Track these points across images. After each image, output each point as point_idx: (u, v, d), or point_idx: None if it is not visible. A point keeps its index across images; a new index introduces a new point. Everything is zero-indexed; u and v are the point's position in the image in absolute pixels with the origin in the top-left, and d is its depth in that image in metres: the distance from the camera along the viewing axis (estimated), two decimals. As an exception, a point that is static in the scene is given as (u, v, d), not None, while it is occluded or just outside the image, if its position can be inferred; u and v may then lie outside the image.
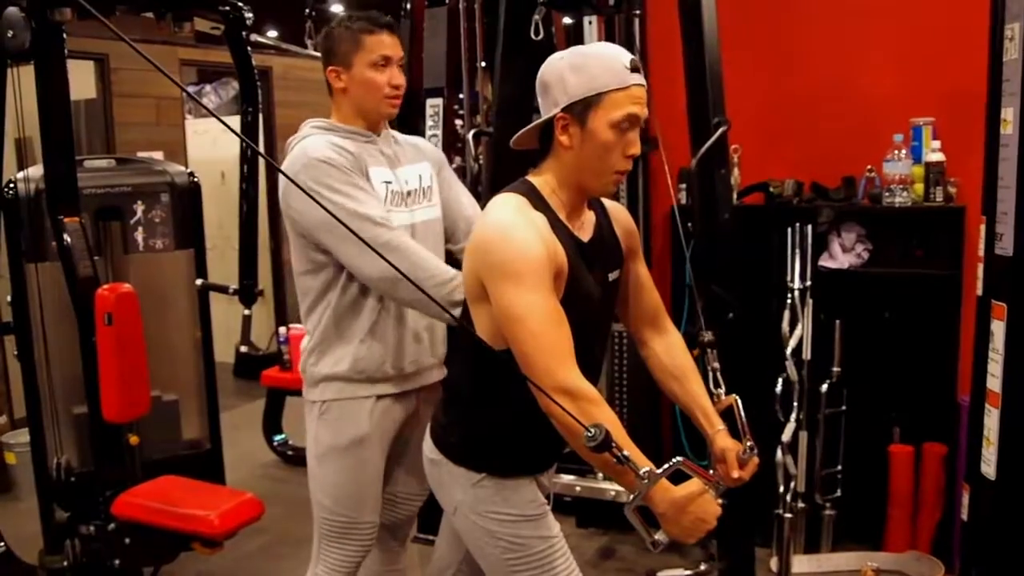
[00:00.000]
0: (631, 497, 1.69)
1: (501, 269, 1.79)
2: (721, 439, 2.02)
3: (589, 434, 1.57)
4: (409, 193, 2.43)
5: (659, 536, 1.73)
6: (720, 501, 1.80)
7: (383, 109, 2.40)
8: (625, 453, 1.62)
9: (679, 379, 2.12)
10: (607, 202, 2.09)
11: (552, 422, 1.75)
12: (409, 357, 2.43)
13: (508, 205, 1.86)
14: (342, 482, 2.41)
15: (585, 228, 1.97)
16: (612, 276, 2.04)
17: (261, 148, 5.31)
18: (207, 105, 7.65)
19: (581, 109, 1.82)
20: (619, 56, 1.83)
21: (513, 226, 1.81)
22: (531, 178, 1.94)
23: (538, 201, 1.88)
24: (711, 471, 1.98)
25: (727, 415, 2.07)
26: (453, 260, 2.48)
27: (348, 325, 2.38)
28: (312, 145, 2.30)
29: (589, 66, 1.82)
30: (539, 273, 1.77)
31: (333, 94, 2.43)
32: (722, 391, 2.17)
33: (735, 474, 1.97)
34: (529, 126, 1.92)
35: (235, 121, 5.09)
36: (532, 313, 1.75)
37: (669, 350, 2.16)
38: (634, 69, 1.82)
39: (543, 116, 1.89)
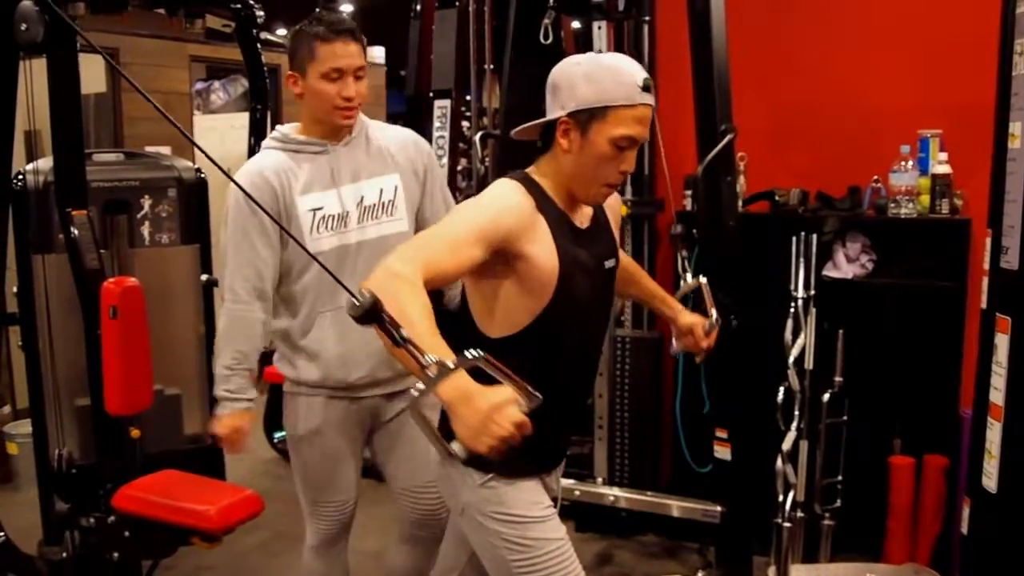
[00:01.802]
0: (416, 388, 1.50)
1: (462, 208, 1.92)
2: (684, 316, 2.29)
3: (356, 301, 1.40)
4: (350, 213, 2.44)
5: (455, 446, 1.52)
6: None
7: (334, 120, 2.40)
8: (403, 333, 1.45)
9: (634, 282, 2.36)
10: None
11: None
12: (357, 373, 2.47)
13: (502, 184, 1.94)
14: (301, 466, 2.62)
15: (582, 219, 2.03)
16: (608, 264, 2.08)
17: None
18: (216, 101, 7.68)
19: (585, 118, 1.87)
20: (634, 73, 1.86)
21: (492, 192, 1.91)
22: (528, 171, 1.99)
23: (532, 188, 1.93)
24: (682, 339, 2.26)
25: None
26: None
27: (289, 333, 2.52)
28: (251, 165, 2.43)
29: (602, 78, 1.86)
30: (485, 223, 1.82)
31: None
32: (688, 275, 2.44)
33: (704, 343, 2.25)
34: (534, 122, 1.98)
35: (244, 118, 5.11)
36: (442, 230, 1.81)
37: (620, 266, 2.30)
38: (645, 89, 1.86)
39: (548, 115, 1.93)
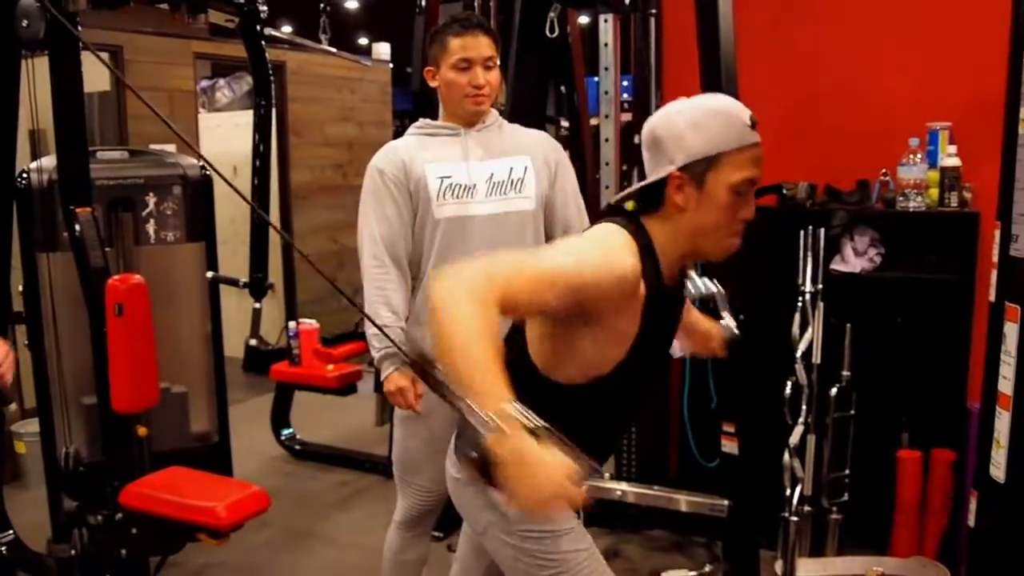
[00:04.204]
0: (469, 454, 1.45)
1: (570, 245, 1.77)
2: (694, 314, 2.21)
3: (406, 358, 1.41)
4: (477, 185, 2.55)
5: (499, 498, 1.47)
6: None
7: (465, 107, 2.56)
8: (439, 377, 1.43)
9: None
10: None
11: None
12: None
13: (617, 236, 1.77)
14: (397, 444, 2.76)
15: (672, 277, 1.90)
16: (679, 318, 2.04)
17: (273, 143, 5.30)
18: (222, 99, 7.67)
19: (700, 170, 1.73)
20: (740, 113, 1.76)
21: (607, 244, 1.74)
22: (646, 224, 1.81)
23: (645, 249, 1.77)
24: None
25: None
26: None
27: (415, 311, 2.57)
28: (389, 145, 2.63)
29: (710, 124, 1.74)
30: (586, 278, 1.65)
31: None
32: (703, 279, 2.33)
33: (713, 344, 2.20)
34: (638, 184, 1.84)
35: (249, 116, 5.11)
36: (538, 260, 1.65)
37: None
38: (753, 126, 1.76)
39: (652, 172, 1.80)
